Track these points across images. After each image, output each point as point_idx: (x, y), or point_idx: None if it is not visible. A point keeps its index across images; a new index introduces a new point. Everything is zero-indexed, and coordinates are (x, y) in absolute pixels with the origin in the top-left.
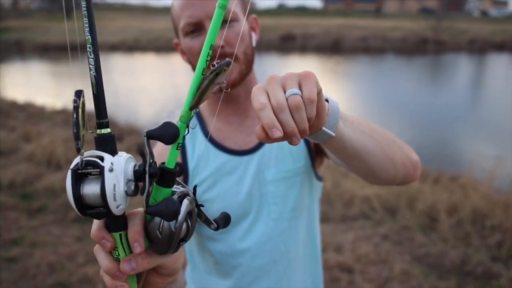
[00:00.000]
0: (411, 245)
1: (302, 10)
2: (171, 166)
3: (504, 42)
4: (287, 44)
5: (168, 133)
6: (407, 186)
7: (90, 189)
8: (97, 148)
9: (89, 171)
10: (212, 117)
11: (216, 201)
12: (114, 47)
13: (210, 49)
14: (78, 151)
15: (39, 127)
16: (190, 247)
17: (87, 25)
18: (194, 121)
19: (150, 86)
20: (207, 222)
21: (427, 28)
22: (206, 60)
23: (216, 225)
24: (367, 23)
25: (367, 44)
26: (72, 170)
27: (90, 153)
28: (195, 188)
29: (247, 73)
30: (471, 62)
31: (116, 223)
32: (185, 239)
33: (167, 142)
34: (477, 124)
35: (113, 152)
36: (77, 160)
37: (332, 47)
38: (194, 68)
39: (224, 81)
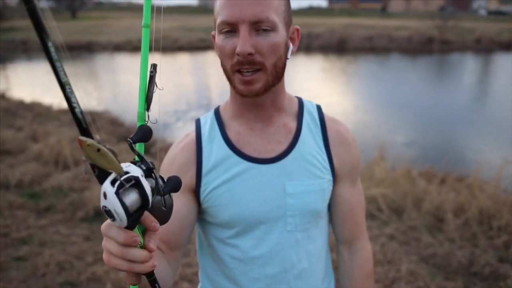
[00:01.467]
0: (417, 246)
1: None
2: (142, 152)
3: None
4: None
5: (146, 134)
6: (413, 186)
7: (131, 198)
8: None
9: (127, 186)
10: (233, 119)
11: (230, 206)
12: (119, 47)
13: (147, 61)
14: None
15: (46, 126)
16: (200, 249)
17: (61, 69)
18: (165, 124)
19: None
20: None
21: (432, 27)
22: (146, 70)
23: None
24: (372, 23)
25: (373, 43)
26: (116, 193)
27: (125, 169)
28: (152, 163)
29: (273, 85)
30: (477, 62)
31: (137, 220)
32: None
33: (147, 140)
34: (484, 124)
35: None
36: (109, 180)
37: (337, 47)
38: (222, 65)
39: (156, 84)
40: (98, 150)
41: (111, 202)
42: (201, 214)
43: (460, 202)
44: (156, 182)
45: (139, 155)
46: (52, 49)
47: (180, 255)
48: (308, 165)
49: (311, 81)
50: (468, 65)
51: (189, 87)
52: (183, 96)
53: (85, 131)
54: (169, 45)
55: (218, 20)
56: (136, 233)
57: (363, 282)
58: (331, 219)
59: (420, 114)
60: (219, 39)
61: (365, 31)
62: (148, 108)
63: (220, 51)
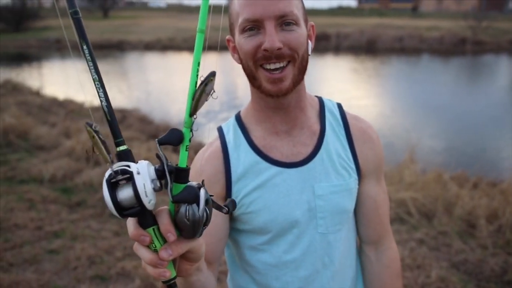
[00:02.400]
0: (448, 251)
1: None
2: (183, 165)
3: None
4: (321, 44)
5: (174, 138)
6: (445, 190)
7: (124, 193)
8: (121, 161)
9: (120, 179)
10: (257, 124)
11: (262, 213)
12: (149, 46)
13: (198, 66)
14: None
15: (78, 123)
16: (230, 258)
17: (92, 67)
18: (196, 125)
19: (184, 85)
20: (219, 208)
21: (465, 28)
22: (196, 75)
23: (226, 209)
24: (403, 23)
25: (403, 44)
26: (107, 181)
27: (117, 165)
28: (203, 181)
29: (299, 81)
30: None
31: (148, 220)
32: (206, 223)
33: (174, 144)
34: None
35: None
36: (108, 172)
37: (367, 47)
38: (244, 67)
39: (213, 90)
40: (93, 137)
41: (103, 187)
42: (232, 223)
43: (493, 208)
44: (165, 186)
45: (157, 155)
46: (86, 52)
47: (217, 269)
48: (334, 166)
49: (340, 82)
50: (503, 67)
51: (217, 86)
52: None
53: (109, 123)
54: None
55: (241, 19)
56: (145, 233)
57: (392, 283)
58: (356, 219)
59: (452, 116)
60: (240, 38)
61: (395, 32)
62: (192, 115)
63: (243, 50)
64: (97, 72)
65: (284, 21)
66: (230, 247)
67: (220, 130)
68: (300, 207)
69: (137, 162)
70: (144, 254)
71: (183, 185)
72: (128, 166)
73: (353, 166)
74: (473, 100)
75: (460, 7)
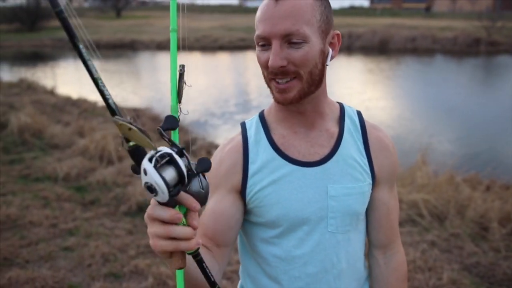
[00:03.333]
0: (460, 254)
1: (348, 9)
2: (177, 140)
3: None
4: None
5: (173, 123)
6: (457, 192)
7: (169, 173)
8: (135, 157)
9: (163, 162)
10: (278, 123)
11: (276, 207)
12: (161, 46)
13: (176, 61)
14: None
15: (91, 122)
16: (243, 249)
17: (93, 67)
18: (211, 126)
19: (196, 84)
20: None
21: (479, 28)
22: (176, 69)
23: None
24: (416, 23)
25: (416, 44)
26: (155, 167)
27: (159, 149)
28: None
29: (309, 92)
30: None
31: (172, 201)
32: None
33: (175, 128)
34: None
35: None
36: (147, 158)
37: (379, 48)
38: (263, 75)
39: (185, 81)
40: (130, 129)
41: (152, 176)
42: (245, 215)
43: (506, 211)
44: (189, 162)
45: (169, 140)
46: (83, 50)
47: (228, 252)
48: (349, 169)
49: (351, 83)
50: None
51: (229, 87)
52: (223, 95)
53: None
54: (209, 44)
55: (256, 34)
56: (177, 211)
57: (399, 286)
58: (367, 223)
59: (465, 118)
60: (257, 50)
61: (408, 32)
62: (180, 101)
63: (258, 61)
64: (97, 71)
65: (290, 40)
66: (244, 238)
67: (243, 125)
68: (312, 205)
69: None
70: (183, 230)
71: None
72: (161, 150)
73: (368, 171)
74: (487, 101)
75: (474, 7)
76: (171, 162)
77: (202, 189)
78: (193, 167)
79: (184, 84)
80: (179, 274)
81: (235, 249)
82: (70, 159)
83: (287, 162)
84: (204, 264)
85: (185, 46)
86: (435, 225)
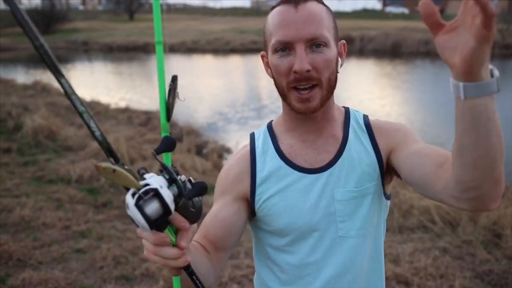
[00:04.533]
0: (472, 261)
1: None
2: (170, 164)
3: None
4: None
5: (169, 145)
6: None
7: (152, 208)
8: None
9: (147, 198)
10: (286, 133)
11: (284, 215)
12: (174, 49)
13: (163, 75)
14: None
15: (104, 125)
16: (257, 255)
17: (77, 100)
18: (226, 131)
19: (207, 87)
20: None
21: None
22: (164, 84)
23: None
24: None
25: (429, 47)
26: (136, 205)
27: (142, 183)
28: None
29: (327, 99)
30: None
31: (163, 223)
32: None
33: (171, 150)
34: None
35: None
36: (130, 193)
37: (392, 51)
38: (276, 84)
39: (178, 92)
40: (114, 170)
41: (133, 212)
42: (257, 222)
43: None
44: (180, 189)
45: (162, 165)
46: (66, 85)
47: (225, 257)
48: (355, 171)
49: (363, 86)
50: None
51: (241, 90)
52: (235, 98)
53: (107, 150)
54: (221, 47)
55: (273, 40)
56: (165, 235)
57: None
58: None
59: None
60: (273, 58)
61: (421, 35)
62: (169, 119)
63: (276, 69)
64: (82, 104)
65: (314, 43)
66: (257, 245)
67: (252, 136)
68: (320, 212)
69: (144, 179)
70: (169, 251)
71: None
72: (147, 184)
73: (377, 169)
74: (501, 105)
75: None
76: (156, 195)
77: (193, 208)
78: (186, 193)
79: (176, 99)
80: (175, 280)
81: (245, 254)
82: (83, 161)
83: (293, 170)
84: (194, 276)
85: (166, 50)
86: (447, 232)
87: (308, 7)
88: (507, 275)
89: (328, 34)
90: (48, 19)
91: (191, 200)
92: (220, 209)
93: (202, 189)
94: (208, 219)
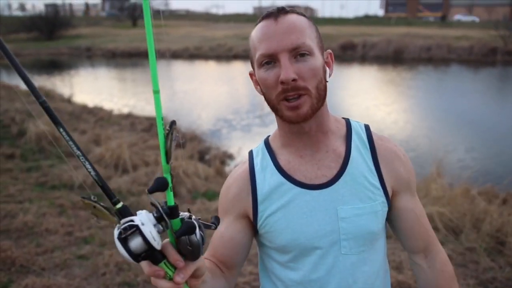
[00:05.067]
0: (476, 269)
1: (362, 18)
2: (172, 203)
3: None
4: (347, 53)
5: (162, 185)
6: (473, 205)
7: (136, 243)
8: (122, 218)
9: (129, 234)
10: (283, 148)
11: (285, 232)
12: (176, 55)
13: (162, 121)
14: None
15: (107, 131)
16: (262, 270)
17: (73, 145)
18: (230, 138)
19: (210, 93)
20: (207, 226)
21: (496, 37)
22: (163, 129)
23: (214, 226)
24: (431, 32)
25: (431, 54)
26: (118, 238)
27: (123, 221)
28: (189, 210)
29: (318, 108)
30: None
31: (158, 257)
32: (203, 243)
33: (163, 190)
34: None
35: (132, 215)
36: (116, 230)
37: (394, 57)
38: (266, 99)
39: (178, 134)
40: (94, 207)
41: (116, 244)
42: (260, 238)
43: None
44: (166, 226)
45: (151, 203)
46: (64, 133)
47: (237, 272)
48: (359, 188)
49: (365, 92)
50: None
51: (244, 96)
52: (238, 104)
53: (101, 187)
54: (224, 53)
55: (257, 54)
56: (159, 268)
57: (449, 286)
58: (399, 234)
59: (481, 129)
60: (259, 72)
61: (423, 41)
62: (168, 161)
63: (263, 83)
64: (79, 148)
65: (298, 53)
66: (262, 258)
67: (250, 153)
68: (323, 229)
69: (135, 214)
70: (163, 284)
71: (178, 219)
72: (132, 220)
73: (379, 188)
74: (504, 112)
75: (491, 16)
76: (139, 231)
77: (190, 246)
78: (173, 231)
79: (174, 141)
80: None
81: (248, 260)
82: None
83: (294, 186)
84: None
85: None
86: (450, 239)
87: (287, 19)
88: (511, 283)
89: (311, 43)
90: (52, 25)
91: (187, 238)
92: (225, 229)
93: (189, 228)
94: (215, 239)
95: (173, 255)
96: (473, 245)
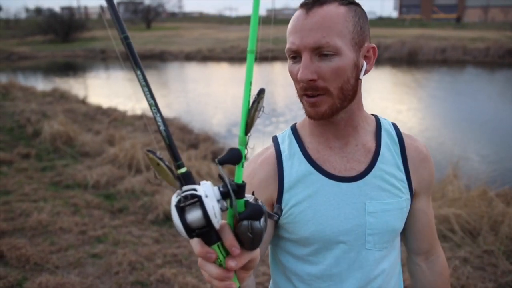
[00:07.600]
0: (494, 272)
1: (376, 20)
2: (240, 181)
3: None
4: None
5: (234, 157)
6: (490, 208)
7: (194, 215)
8: (184, 184)
9: (188, 203)
10: (311, 137)
11: (311, 223)
12: (190, 57)
13: (250, 86)
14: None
15: (121, 131)
16: (273, 264)
17: (148, 92)
18: (251, 142)
19: (223, 94)
20: (270, 216)
21: None
22: (249, 95)
23: (277, 216)
24: (446, 34)
25: (446, 55)
26: (176, 206)
27: (185, 188)
28: (253, 192)
29: (341, 107)
30: None
31: (213, 237)
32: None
33: (235, 163)
34: None
35: (195, 183)
36: (175, 197)
37: (408, 59)
38: (295, 87)
39: (263, 106)
40: (158, 164)
41: (172, 212)
42: (278, 230)
43: None
44: (231, 205)
45: (220, 176)
46: (140, 77)
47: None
48: (387, 184)
49: (380, 94)
50: None
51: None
52: None
53: (168, 146)
54: (237, 55)
55: (286, 46)
56: (211, 250)
57: None
58: (406, 233)
59: (497, 131)
60: (289, 63)
61: (438, 43)
62: (247, 133)
63: (290, 75)
64: (153, 97)
65: (321, 52)
66: (275, 254)
67: (275, 139)
68: (349, 222)
69: (199, 183)
70: (212, 269)
71: (242, 200)
72: (195, 189)
73: (406, 185)
74: (509, 114)
75: (507, 17)
76: (200, 203)
77: (251, 233)
78: (237, 213)
79: (259, 112)
80: None
81: (261, 260)
82: (100, 167)
83: (323, 176)
84: None
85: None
86: (467, 241)
87: (320, 13)
88: None
89: (339, 41)
90: (67, 27)
91: (250, 223)
92: None
93: (255, 211)
94: None
95: (231, 240)
96: (491, 247)
